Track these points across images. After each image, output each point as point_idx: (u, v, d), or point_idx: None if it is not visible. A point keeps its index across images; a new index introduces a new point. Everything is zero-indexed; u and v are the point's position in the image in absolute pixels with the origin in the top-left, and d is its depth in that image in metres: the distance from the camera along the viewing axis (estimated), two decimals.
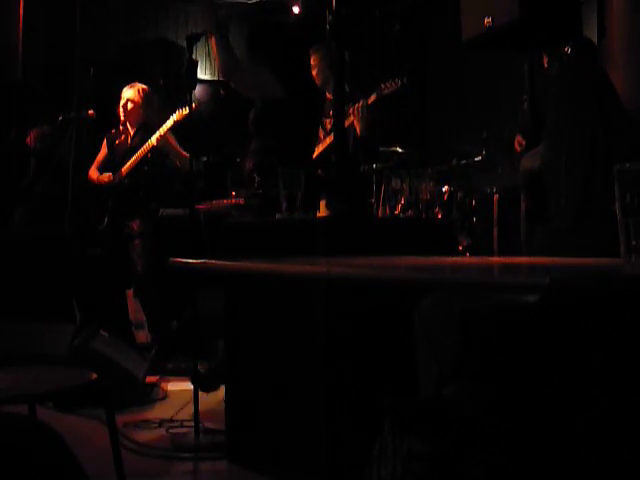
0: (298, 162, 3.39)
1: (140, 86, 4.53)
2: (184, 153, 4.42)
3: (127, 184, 4.45)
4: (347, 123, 4.01)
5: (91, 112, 4.62)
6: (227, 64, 3.39)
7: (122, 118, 4.53)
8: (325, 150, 4.14)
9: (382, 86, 4.01)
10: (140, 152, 4.40)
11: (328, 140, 4.12)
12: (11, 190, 5.44)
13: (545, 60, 3.05)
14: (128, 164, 4.44)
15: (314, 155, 4.23)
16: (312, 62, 4.16)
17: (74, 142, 4.59)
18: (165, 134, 4.30)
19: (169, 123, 4.29)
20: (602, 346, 1.43)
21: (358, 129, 4.04)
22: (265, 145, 3.42)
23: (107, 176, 4.51)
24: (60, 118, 4.78)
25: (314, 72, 4.15)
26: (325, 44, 3.95)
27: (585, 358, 1.45)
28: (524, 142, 3.95)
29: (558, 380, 1.48)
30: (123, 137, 4.57)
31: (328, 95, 4.18)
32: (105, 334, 3.73)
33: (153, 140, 4.31)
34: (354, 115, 3.98)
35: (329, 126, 4.18)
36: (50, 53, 6.14)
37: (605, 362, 1.43)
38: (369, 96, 4.02)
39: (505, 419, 1.51)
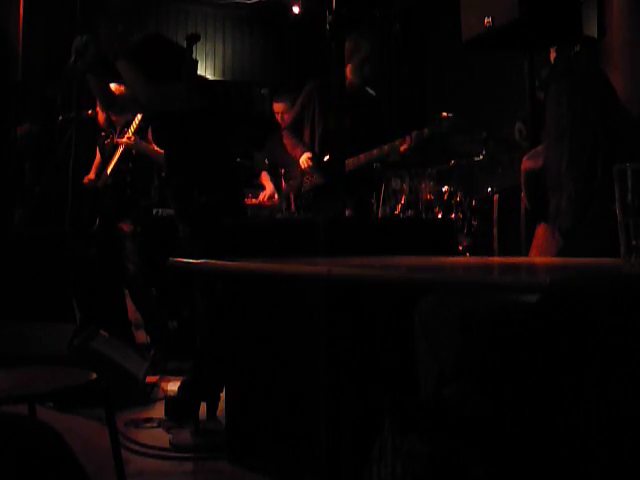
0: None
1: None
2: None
3: (112, 183, 4.42)
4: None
5: (91, 112, 4.61)
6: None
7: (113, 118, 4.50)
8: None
9: (432, 124, 3.91)
10: (120, 149, 4.37)
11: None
12: (11, 190, 5.44)
13: (552, 55, 3.04)
14: (111, 163, 4.41)
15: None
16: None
17: (74, 142, 4.58)
18: (136, 132, 4.30)
19: (138, 118, 4.28)
20: (602, 346, 1.43)
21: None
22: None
23: (88, 177, 4.50)
24: (60, 118, 4.78)
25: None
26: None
27: (585, 358, 1.45)
28: (524, 129, 3.93)
29: (558, 380, 1.47)
30: (111, 136, 4.55)
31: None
32: (105, 334, 3.73)
33: (124, 140, 4.31)
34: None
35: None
36: (50, 53, 6.14)
37: (605, 362, 1.43)
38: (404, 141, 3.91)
39: (505, 419, 1.51)
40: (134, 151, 4.36)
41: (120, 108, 3.40)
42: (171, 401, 3.16)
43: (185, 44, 3.16)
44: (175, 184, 3.30)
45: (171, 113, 3.23)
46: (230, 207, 3.22)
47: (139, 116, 4.27)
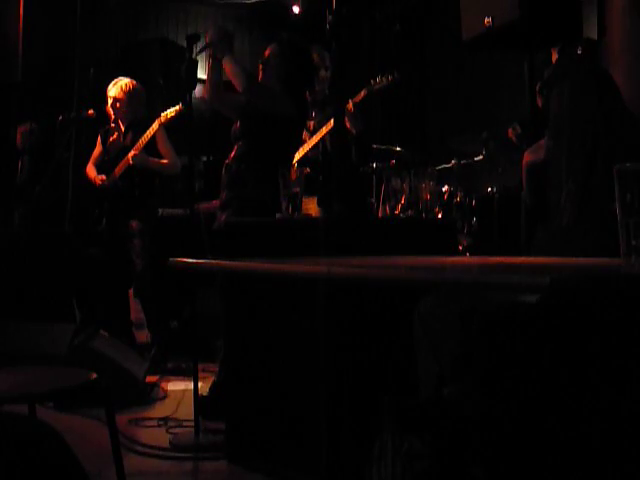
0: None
1: (123, 82, 4.46)
2: (163, 161, 4.40)
3: (121, 185, 4.42)
4: (326, 129, 3.96)
5: (91, 112, 4.61)
6: (216, 87, 3.37)
7: (113, 117, 4.50)
8: (310, 150, 4.10)
9: (372, 82, 4.01)
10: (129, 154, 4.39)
11: (315, 139, 4.08)
12: (10, 190, 5.45)
13: (554, 56, 3.05)
14: (120, 166, 4.40)
15: (297, 156, 4.18)
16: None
17: (74, 142, 4.58)
18: (142, 149, 4.31)
19: (150, 132, 4.30)
20: (602, 346, 1.43)
21: (351, 128, 4.02)
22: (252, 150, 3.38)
23: (100, 178, 4.49)
24: (60, 118, 4.78)
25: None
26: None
27: (585, 357, 1.45)
28: (519, 130, 3.94)
29: (558, 379, 1.48)
30: (116, 134, 4.53)
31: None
32: (105, 334, 3.73)
33: (129, 156, 4.33)
34: (346, 115, 3.94)
35: (312, 127, 4.16)
36: (50, 53, 6.14)
37: (605, 361, 1.43)
38: (358, 93, 4.00)
39: (504, 419, 1.51)
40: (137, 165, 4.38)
41: (225, 103, 3.46)
42: (203, 401, 3.10)
43: (185, 44, 3.16)
44: (235, 170, 3.36)
45: (259, 111, 3.33)
46: (269, 204, 3.26)
47: (148, 132, 4.28)
